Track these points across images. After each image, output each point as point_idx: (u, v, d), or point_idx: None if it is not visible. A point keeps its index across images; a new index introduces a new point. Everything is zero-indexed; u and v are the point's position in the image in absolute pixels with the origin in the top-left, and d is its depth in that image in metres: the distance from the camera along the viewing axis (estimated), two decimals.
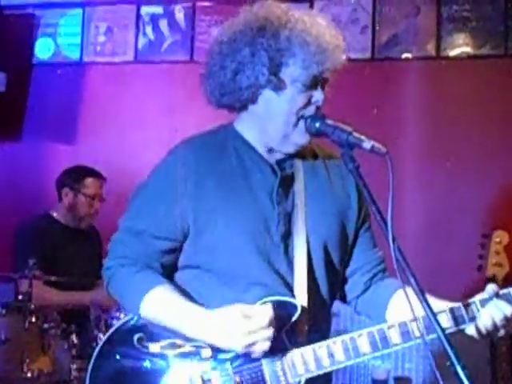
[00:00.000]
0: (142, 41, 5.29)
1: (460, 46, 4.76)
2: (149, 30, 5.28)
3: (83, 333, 3.38)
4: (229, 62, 2.07)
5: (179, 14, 5.25)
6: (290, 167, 2.18)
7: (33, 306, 3.42)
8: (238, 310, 1.94)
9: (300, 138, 2.10)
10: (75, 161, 5.07)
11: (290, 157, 2.17)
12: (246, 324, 1.92)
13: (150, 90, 5.23)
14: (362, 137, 1.92)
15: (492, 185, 4.63)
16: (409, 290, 1.77)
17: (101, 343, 2.11)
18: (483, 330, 1.99)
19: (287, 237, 2.11)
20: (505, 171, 4.63)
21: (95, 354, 2.10)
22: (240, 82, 2.07)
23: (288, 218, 2.12)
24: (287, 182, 2.16)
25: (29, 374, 3.33)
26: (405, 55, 4.86)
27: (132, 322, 2.11)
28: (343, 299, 2.33)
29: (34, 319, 3.40)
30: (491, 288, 2.03)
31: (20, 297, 3.44)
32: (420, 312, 1.79)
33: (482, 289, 3.39)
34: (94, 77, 5.40)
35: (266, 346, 1.93)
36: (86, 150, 5.32)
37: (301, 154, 2.20)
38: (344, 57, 2.10)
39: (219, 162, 2.12)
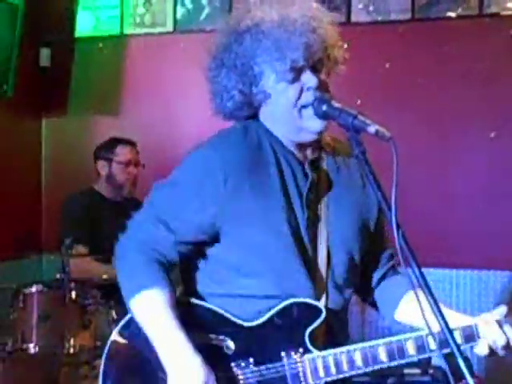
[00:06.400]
0: (180, 11, 5.26)
1: (504, 1, 4.58)
2: None
3: (122, 308, 3.42)
4: (215, 87, 2.09)
5: None
6: (319, 168, 2.15)
7: (72, 283, 3.49)
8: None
9: (312, 124, 2.03)
10: (120, 133, 5.12)
11: (317, 159, 2.14)
12: None
13: (190, 59, 5.21)
14: (368, 121, 1.85)
15: None
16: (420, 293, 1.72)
17: (112, 335, 2.14)
18: (491, 350, 1.98)
19: (315, 240, 2.10)
20: None
21: (107, 345, 2.13)
22: (228, 105, 2.08)
23: (317, 221, 2.11)
24: (317, 185, 2.13)
25: (71, 350, 3.42)
26: (447, 14, 4.71)
27: None
28: (359, 295, 2.33)
29: (73, 296, 3.48)
30: (502, 309, 2.02)
31: (58, 275, 3.51)
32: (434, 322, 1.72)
33: None
34: (134, 49, 5.42)
35: None
36: (130, 122, 5.38)
37: (323, 152, 2.17)
38: (327, 31, 2.02)
39: (257, 160, 2.06)
